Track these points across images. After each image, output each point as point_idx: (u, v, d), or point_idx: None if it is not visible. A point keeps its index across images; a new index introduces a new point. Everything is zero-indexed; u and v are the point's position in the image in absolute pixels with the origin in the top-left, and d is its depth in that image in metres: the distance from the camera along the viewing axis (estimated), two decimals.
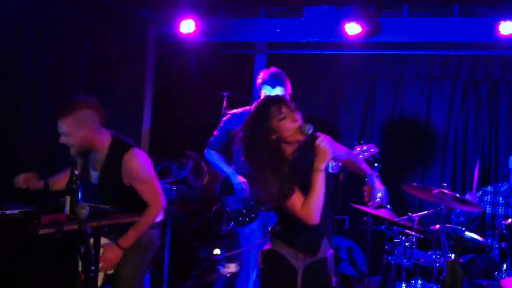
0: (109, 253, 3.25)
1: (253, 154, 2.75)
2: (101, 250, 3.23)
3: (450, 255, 4.01)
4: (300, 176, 2.72)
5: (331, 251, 2.89)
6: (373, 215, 4.59)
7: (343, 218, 5.40)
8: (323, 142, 2.68)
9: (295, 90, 5.17)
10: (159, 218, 3.48)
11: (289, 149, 2.76)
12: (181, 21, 5.43)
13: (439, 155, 5.48)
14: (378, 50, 5.57)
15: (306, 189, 2.70)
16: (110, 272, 3.30)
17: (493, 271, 3.92)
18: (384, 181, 4.86)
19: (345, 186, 5.29)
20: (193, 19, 5.42)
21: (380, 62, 5.67)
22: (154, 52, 5.99)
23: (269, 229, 2.94)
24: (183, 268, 4.81)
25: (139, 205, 3.31)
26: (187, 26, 5.44)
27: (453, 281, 3.42)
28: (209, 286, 4.74)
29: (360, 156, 4.53)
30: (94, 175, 3.43)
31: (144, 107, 5.92)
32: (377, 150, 4.55)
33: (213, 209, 4.84)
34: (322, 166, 2.68)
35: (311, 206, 2.66)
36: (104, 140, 3.31)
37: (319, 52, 5.74)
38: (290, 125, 2.72)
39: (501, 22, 4.72)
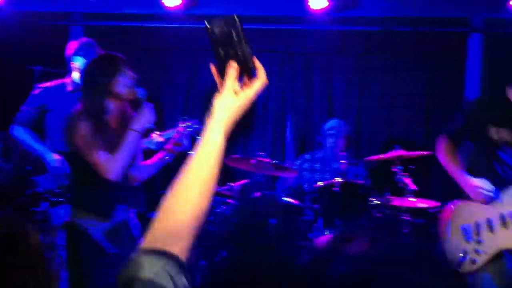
0: None
1: (88, 96, 2.86)
2: None
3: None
4: (114, 136, 2.83)
5: (131, 214, 3.01)
6: None
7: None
8: (149, 108, 2.89)
9: None
10: None
11: (115, 106, 2.89)
12: None
13: (259, 126, 5.66)
14: (199, 23, 5.51)
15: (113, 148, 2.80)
16: None
17: (308, 232, 4.14)
18: None
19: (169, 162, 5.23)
20: None
21: (201, 35, 5.62)
22: None
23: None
24: None
25: None
26: None
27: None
28: None
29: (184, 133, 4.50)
30: None
31: None
32: (201, 126, 4.55)
33: (26, 191, 4.50)
34: (137, 127, 2.84)
35: (114, 160, 2.77)
36: None
37: (139, 25, 5.56)
38: (127, 81, 2.89)
39: None
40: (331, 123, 5.08)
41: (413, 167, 4.41)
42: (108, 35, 5.49)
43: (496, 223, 2.86)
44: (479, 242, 2.86)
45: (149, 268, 1.14)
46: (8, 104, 5.20)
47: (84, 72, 3.02)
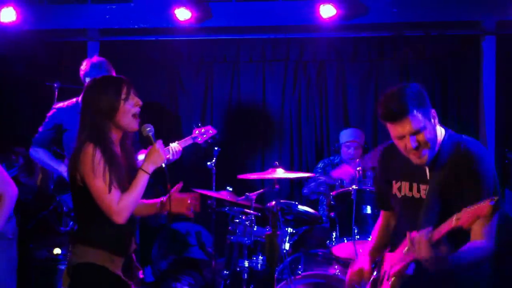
0: None
1: (90, 122, 2.58)
2: None
3: (286, 229, 4.20)
4: (121, 170, 2.60)
5: (134, 246, 2.77)
6: (216, 198, 4.65)
7: None
8: (160, 146, 2.67)
9: (131, 78, 5.06)
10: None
11: (116, 136, 2.66)
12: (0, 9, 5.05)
13: (276, 136, 5.71)
14: (212, 35, 5.63)
15: (121, 184, 2.57)
16: None
17: (325, 240, 4.16)
18: (225, 164, 4.98)
19: (186, 171, 5.30)
20: (13, 7, 5.06)
21: (215, 47, 5.74)
22: None
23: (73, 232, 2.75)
24: (18, 271, 4.52)
25: None
26: (8, 15, 5.07)
27: (271, 251, 3.62)
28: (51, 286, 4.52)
29: (199, 139, 4.56)
30: None
31: None
32: (215, 131, 4.60)
33: (50, 207, 4.61)
34: (151, 169, 2.63)
35: (127, 205, 2.54)
36: None
37: (154, 38, 5.66)
38: (132, 108, 2.61)
39: (321, 5, 4.99)
40: (350, 134, 5.05)
41: None
42: (124, 50, 5.61)
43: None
44: None
45: None
46: (28, 120, 5.33)
47: (85, 93, 2.70)
